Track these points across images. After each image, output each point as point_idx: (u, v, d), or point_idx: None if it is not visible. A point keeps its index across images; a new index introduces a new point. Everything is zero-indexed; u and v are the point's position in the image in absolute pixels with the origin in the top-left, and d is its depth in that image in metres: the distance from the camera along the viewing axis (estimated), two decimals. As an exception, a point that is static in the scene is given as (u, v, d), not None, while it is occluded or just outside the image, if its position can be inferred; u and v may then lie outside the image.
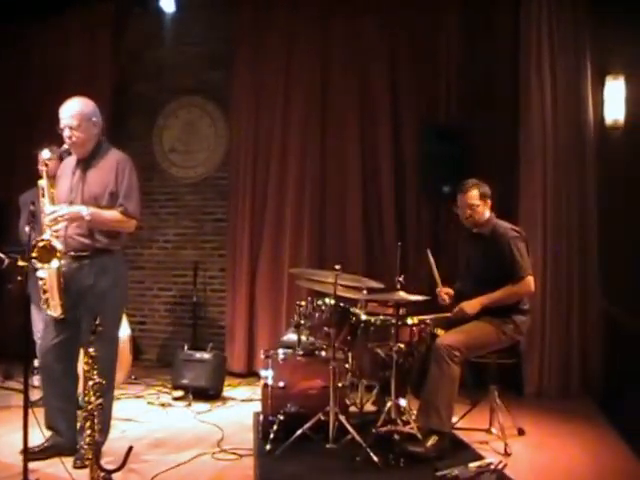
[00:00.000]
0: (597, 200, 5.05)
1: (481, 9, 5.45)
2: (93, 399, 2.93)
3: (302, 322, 3.92)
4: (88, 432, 2.92)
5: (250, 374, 5.61)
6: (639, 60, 5.14)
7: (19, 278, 3.04)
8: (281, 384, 3.81)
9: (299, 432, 3.50)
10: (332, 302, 3.67)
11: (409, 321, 3.73)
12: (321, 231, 5.65)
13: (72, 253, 3.34)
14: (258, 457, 3.47)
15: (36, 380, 4.28)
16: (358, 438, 3.42)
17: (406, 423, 3.57)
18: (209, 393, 4.81)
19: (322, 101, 5.69)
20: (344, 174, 5.64)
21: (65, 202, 3.35)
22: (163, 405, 4.66)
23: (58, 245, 3.22)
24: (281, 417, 3.68)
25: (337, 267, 3.59)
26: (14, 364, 5.07)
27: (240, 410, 4.60)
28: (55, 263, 3.21)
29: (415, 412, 3.64)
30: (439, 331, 3.78)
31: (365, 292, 3.95)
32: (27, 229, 3.08)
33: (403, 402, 3.69)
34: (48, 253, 3.17)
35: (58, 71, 6.31)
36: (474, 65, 5.43)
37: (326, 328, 3.72)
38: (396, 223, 5.48)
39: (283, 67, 5.77)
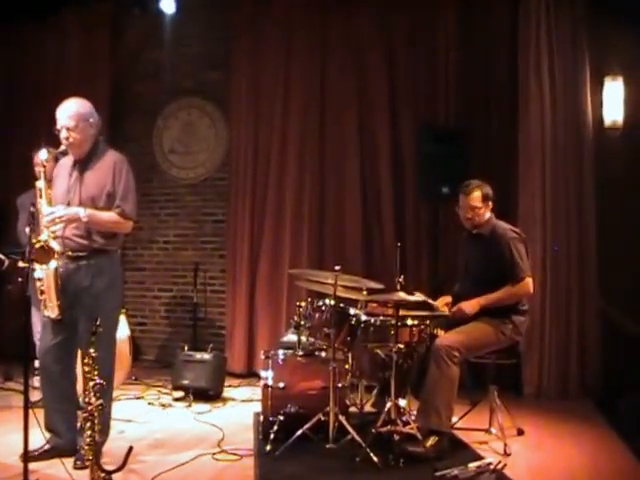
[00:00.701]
0: (595, 200, 5.05)
1: (480, 9, 5.46)
2: (93, 400, 2.93)
3: (302, 323, 3.93)
4: (88, 433, 2.93)
5: (250, 375, 5.61)
6: (638, 61, 5.16)
7: (19, 279, 3.04)
8: (281, 385, 3.81)
9: (299, 432, 3.50)
10: (332, 303, 3.68)
11: (409, 322, 3.73)
12: (321, 232, 5.66)
13: (70, 253, 3.34)
14: (258, 457, 3.48)
15: (36, 381, 4.28)
16: (358, 438, 3.43)
17: (406, 423, 3.57)
18: (209, 394, 4.81)
19: (321, 101, 5.70)
20: (343, 175, 5.64)
21: (62, 203, 3.34)
22: (163, 405, 4.66)
23: (55, 246, 3.22)
24: (281, 417, 3.68)
25: (337, 268, 3.59)
26: (14, 365, 5.07)
27: (240, 410, 4.60)
28: (52, 264, 3.21)
29: (415, 412, 3.65)
30: (439, 332, 3.79)
31: (365, 293, 3.96)
32: (27, 230, 3.07)
33: (403, 402, 3.69)
34: (45, 254, 3.17)
35: (56, 71, 6.29)
36: (473, 66, 5.43)
37: (326, 329, 3.72)
38: (395, 224, 5.48)
39: (282, 66, 5.77)
